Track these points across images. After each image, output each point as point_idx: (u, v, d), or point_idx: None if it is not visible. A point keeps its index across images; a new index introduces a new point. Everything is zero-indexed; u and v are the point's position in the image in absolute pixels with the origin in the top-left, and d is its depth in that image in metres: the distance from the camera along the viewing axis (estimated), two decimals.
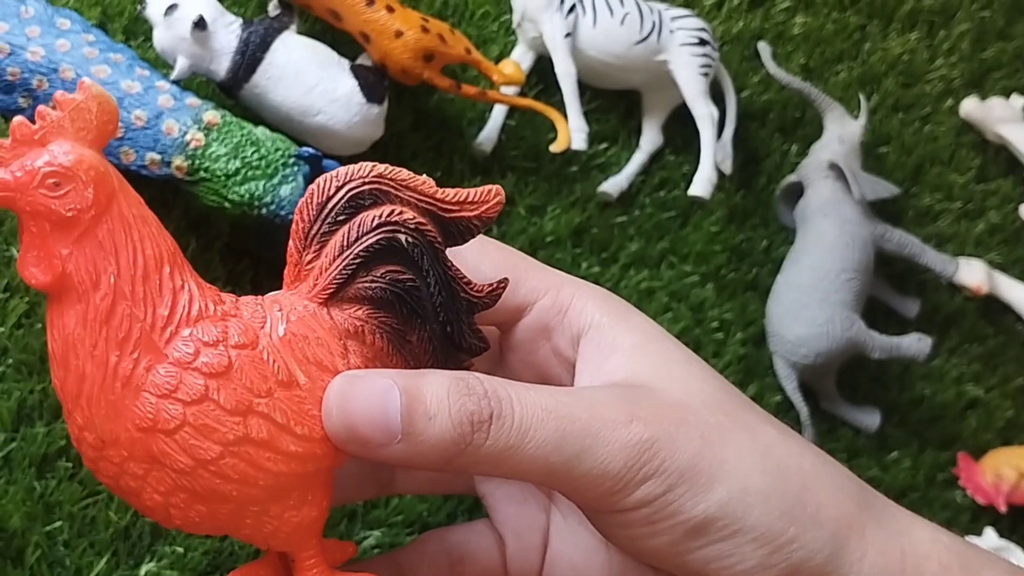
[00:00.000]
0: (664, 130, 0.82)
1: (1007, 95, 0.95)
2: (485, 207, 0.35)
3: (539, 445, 0.31)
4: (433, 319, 0.35)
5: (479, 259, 0.37)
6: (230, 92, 0.66)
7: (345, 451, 0.33)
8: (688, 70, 0.77)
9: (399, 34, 0.66)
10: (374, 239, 0.34)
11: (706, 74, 0.78)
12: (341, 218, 0.34)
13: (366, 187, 0.34)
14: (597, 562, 0.39)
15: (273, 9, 0.69)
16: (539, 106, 0.74)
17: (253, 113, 0.66)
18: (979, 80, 0.97)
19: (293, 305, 0.35)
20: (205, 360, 0.32)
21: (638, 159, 0.81)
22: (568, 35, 0.75)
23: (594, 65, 0.77)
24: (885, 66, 0.93)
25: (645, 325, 0.37)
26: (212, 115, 0.62)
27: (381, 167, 0.35)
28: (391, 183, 0.35)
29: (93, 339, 0.31)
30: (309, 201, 0.35)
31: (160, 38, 0.65)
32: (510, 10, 0.79)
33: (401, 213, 0.34)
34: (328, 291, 0.35)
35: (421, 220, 0.34)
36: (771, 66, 0.84)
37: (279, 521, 0.33)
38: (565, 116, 0.74)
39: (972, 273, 0.85)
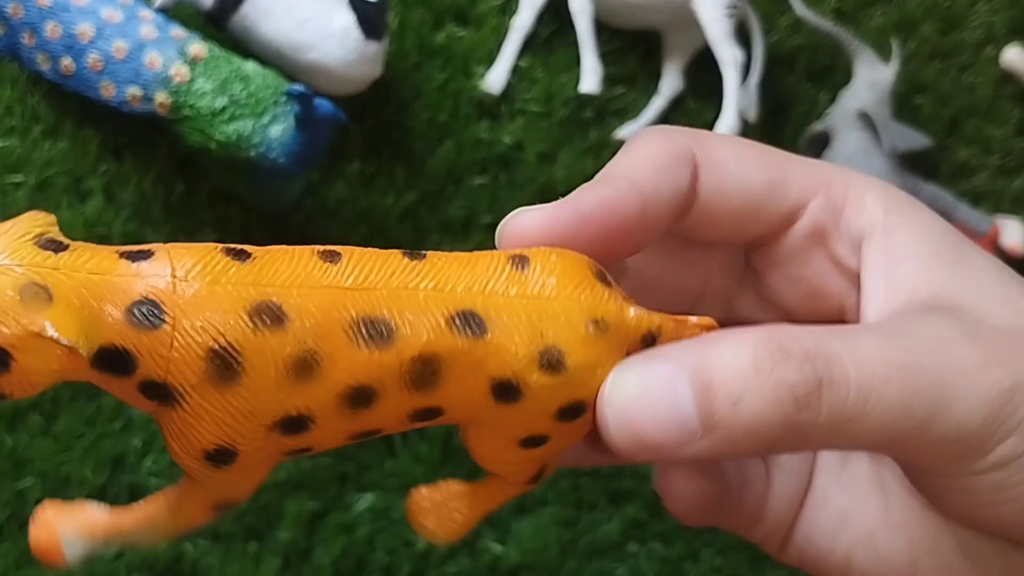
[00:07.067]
0: (686, 74, 0.78)
1: None
2: None
3: (885, 409, 0.25)
4: None
5: (738, 162, 0.30)
6: (218, 23, 0.61)
7: (634, 460, 0.26)
8: (713, 10, 0.73)
9: None
10: None
11: (732, 15, 0.73)
12: None
13: None
14: (872, 510, 0.31)
15: None
16: None
17: (243, 47, 0.62)
18: (1023, 27, 0.91)
19: None
20: None
21: (657, 104, 0.76)
22: None
23: (612, 3, 0.72)
24: (923, 10, 0.88)
25: (939, 225, 0.29)
26: (198, 48, 0.58)
27: None
28: None
29: None
30: None
31: None
32: None
33: None
34: None
35: None
36: (798, 6, 0.79)
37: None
38: (578, 56, 0.69)
39: (1009, 233, 0.80)
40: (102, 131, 0.64)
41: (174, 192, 0.63)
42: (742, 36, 0.76)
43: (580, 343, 0.24)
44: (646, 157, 0.29)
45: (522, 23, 0.73)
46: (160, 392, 0.21)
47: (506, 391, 0.24)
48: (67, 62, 0.58)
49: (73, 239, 0.23)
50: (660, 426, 0.24)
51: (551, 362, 0.24)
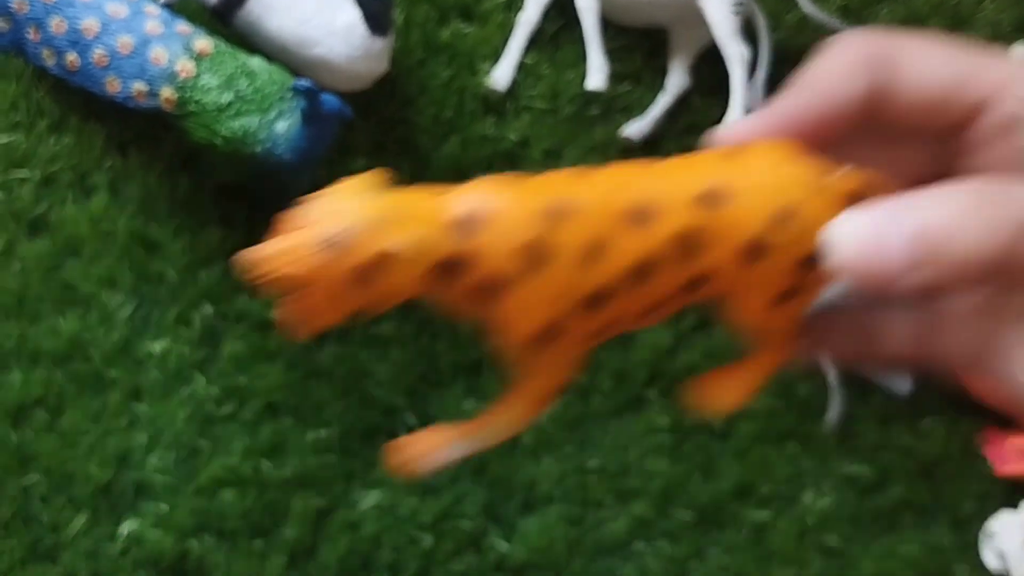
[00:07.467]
0: (692, 71, 0.77)
1: None
2: None
3: None
4: None
5: (929, 58, 0.32)
6: (223, 19, 0.61)
7: (865, 290, 0.29)
8: (719, 7, 0.72)
9: None
10: None
11: (738, 12, 0.73)
12: None
13: None
14: None
15: None
16: None
17: (249, 42, 0.62)
18: None
19: None
20: None
21: (663, 101, 0.76)
22: None
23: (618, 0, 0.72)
24: (929, 8, 0.88)
25: None
26: (204, 43, 0.58)
27: None
28: None
29: None
30: None
31: None
32: None
33: None
34: None
35: None
36: (805, 3, 0.79)
37: None
38: (584, 52, 0.69)
39: None
40: (107, 126, 0.64)
41: (179, 188, 0.63)
42: (748, 33, 0.75)
43: (806, 201, 0.28)
44: (833, 62, 0.32)
45: (528, 19, 0.73)
46: (490, 289, 0.26)
47: (755, 252, 0.28)
48: (72, 57, 0.58)
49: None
50: (879, 259, 0.27)
51: (786, 220, 0.28)
